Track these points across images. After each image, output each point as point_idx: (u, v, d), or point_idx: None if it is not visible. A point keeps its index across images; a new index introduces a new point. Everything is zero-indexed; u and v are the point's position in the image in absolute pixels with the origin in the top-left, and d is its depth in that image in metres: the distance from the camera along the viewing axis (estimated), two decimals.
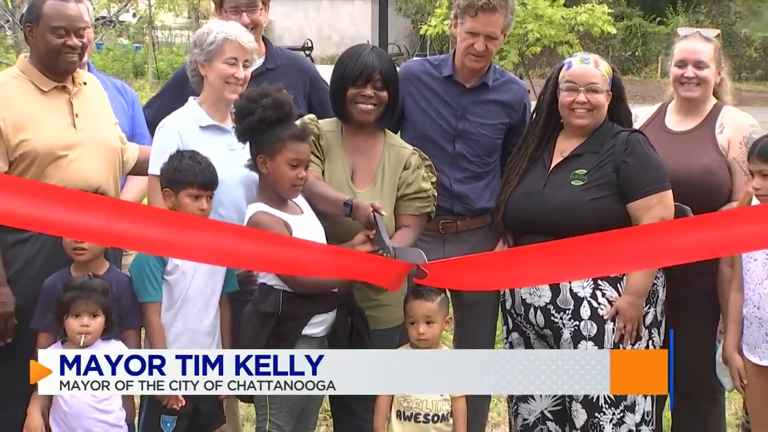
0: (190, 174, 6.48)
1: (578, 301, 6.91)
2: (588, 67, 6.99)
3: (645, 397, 7.00)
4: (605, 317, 6.87)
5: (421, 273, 6.22)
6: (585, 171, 6.94)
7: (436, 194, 7.15)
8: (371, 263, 6.37)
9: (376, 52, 7.14)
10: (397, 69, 7.25)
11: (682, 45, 7.66)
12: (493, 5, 7.32)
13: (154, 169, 6.82)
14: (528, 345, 7.22)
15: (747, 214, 6.34)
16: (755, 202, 6.71)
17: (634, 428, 6.97)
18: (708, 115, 7.57)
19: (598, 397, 6.89)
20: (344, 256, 6.46)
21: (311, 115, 7.21)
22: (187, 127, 6.99)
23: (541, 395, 7.20)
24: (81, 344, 6.15)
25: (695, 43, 7.61)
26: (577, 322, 6.90)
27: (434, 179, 7.16)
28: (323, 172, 6.96)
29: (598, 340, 6.88)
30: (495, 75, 7.75)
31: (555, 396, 7.19)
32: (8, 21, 19.74)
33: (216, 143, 6.93)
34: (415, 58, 8.20)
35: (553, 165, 7.09)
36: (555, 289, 6.93)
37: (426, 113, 7.51)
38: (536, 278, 6.73)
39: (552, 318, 6.97)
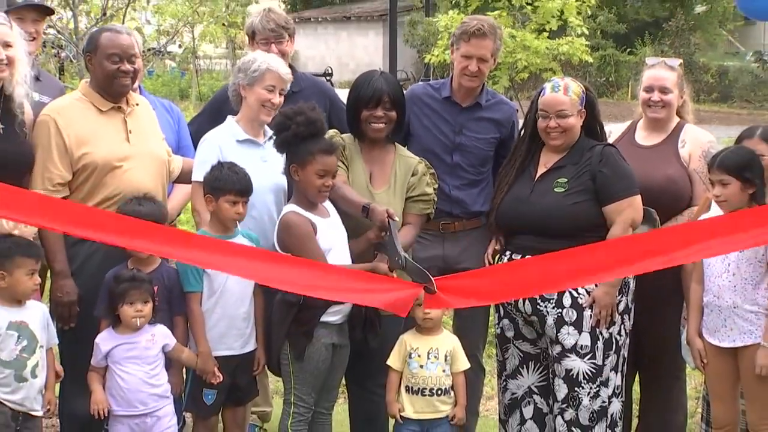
0: (228, 182, 6.50)
1: (560, 292, 6.90)
2: (557, 95, 6.96)
3: (616, 373, 7.01)
4: (584, 305, 6.87)
5: (429, 290, 6.12)
6: (566, 179, 6.95)
7: (436, 199, 7.19)
8: (382, 289, 6.32)
9: (384, 77, 7.20)
10: (404, 91, 7.30)
11: (649, 72, 7.69)
12: (484, 32, 7.42)
13: (197, 177, 6.85)
14: (517, 330, 7.20)
15: (709, 227, 6.39)
16: (714, 206, 6.77)
17: (606, 400, 6.97)
18: (672, 132, 7.60)
19: (577, 373, 6.91)
20: (358, 281, 6.45)
21: (336, 130, 7.22)
22: (226, 141, 7.02)
23: (528, 372, 7.23)
24: (138, 326, 6.22)
25: (661, 71, 7.64)
26: (559, 310, 6.90)
27: (436, 186, 7.20)
28: (348, 177, 7.00)
29: (578, 325, 6.88)
30: (488, 96, 7.79)
31: (541, 373, 7.22)
32: (73, 51, 19.72)
33: (250, 155, 6.94)
34: (419, 83, 8.21)
35: (538, 175, 7.09)
36: None
37: (428, 129, 7.52)
38: (527, 291, 6.70)
39: (538, 306, 6.95)
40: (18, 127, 6.66)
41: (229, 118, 7.19)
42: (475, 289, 6.41)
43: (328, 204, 6.74)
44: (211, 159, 6.83)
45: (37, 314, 6.18)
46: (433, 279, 6.12)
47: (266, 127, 7.13)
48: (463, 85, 7.59)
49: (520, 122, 7.58)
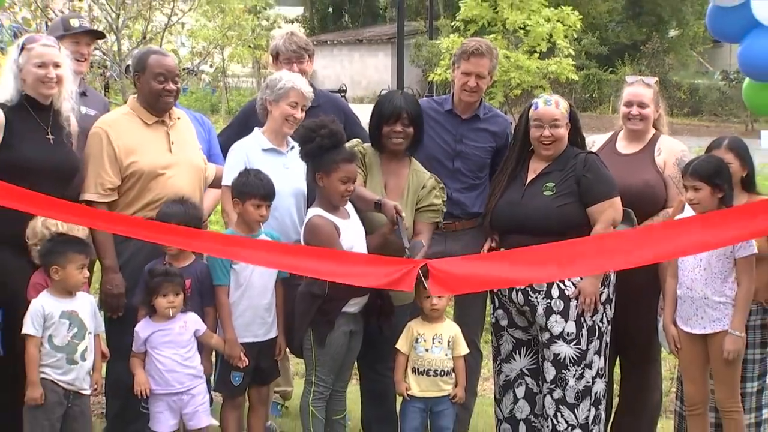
0: (254, 188, 6.54)
1: (549, 283, 6.90)
2: (550, 108, 7.01)
3: (599, 356, 7.01)
4: (571, 296, 6.87)
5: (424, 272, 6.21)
6: (554, 184, 6.96)
7: (444, 209, 7.20)
8: (389, 270, 6.31)
9: (404, 96, 7.29)
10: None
11: (629, 89, 7.68)
12: (482, 51, 7.47)
13: (227, 182, 6.89)
14: (510, 319, 7.21)
15: (685, 226, 6.41)
16: (687, 208, 6.77)
17: (590, 381, 6.96)
18: (648, 142, 7.59)
19: (564, 357, 6.91)
20: (369, 265, 6.53)
21: (358, 140, 7.29)
22: (253, 150, 7.05)
23: (520, 357, 7.23)
24: (171, 315, 6.25)
25: (639, 88, 7.63)
26: (548, 300, 6.90)
27: (444, 198, 7.20)
28: (365, 183, 7.02)
29: (565, 314, 6.88)
30: (485, 110, 7.79)
31: (531, 357, 7.22)
32: (116, 71, 19.76)
33: (274, 163, 6.97)
34: (424, 98, 8.21)
35: (528, 180, 7.08)
36: None
37: (432, 139, 7.48)
38: (519, 281, 6.78)
39: (529, 297, 6.95)
40: (65, 137, 6.71)
41: (256, 129, 7.21)
42: (473, 276, 6.45)
43: (348, 206, 6.76)
44: (239, 166, 6.86)
45: (85, 304, 6.23)
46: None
47: (289, 138, 7.16)
48: (463, 99, 7.59)
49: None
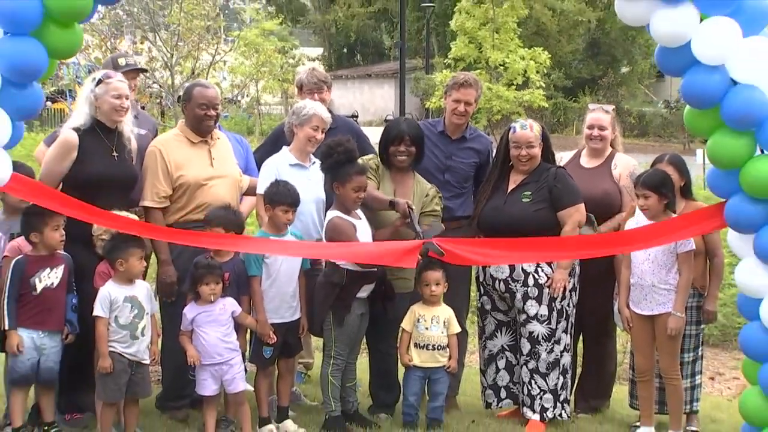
0: (282, 196, 6.56)
1: (526, 274, 6.93)
2: (526, 132, 7.07)
3: (566, 334, 7.05)
4: (544, 284, 6.91)
5: (436, 250, 6.40)
6: (530, 192, 6.99)
7: (441, 215, 7.24)
8: (393, 249, 6.54)
9: (407, 122, 7.40)
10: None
11: (591, 115, 7.77)
12: (469, 83, 7.49)
13: (260, 191, 6.86)
14: (493, 304, 7.23)
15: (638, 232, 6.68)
16: (638, 212, 6.83)
17: (559, 354, 7.00)
18: (607, 158, 7.65)
19: (537, 335, 6.94)
20: (376, 248, 6.73)
21: (374, 155, 7.45)
22: (282, 165, 7.03)
23: (501, 335, 7.24)
24: (212, 300, 6.27)
25: (599, 114, 7.71)
26: (525, 288, 6.93)
27: (442, 205, 7.28)
28: (378, 189, 7.11)
29: (539, 299, 6.91)
30: (471, 131, 7.76)
31: (511, 336, 7.24)
32: (170, 100, 19.84)
33: (299, 176, 6.95)
34: (420, 121, 8.20)
35: (509, 189, 7.09)
36: (512, 267, 6.97)
37: (426, 155, 7.45)
38: (508, 260, 6.91)
39: (509, 286, 6.98)
40: (127, 155, 6.79)
41: (284, 148, 7.20)
42: (473, 253, 6.64)
43: (358, 210, 6.81)
44: (271, 178, 6.85)
45: (143, 290, 6.26)
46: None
47: (311, 155, 7.17)
48: (454, 122, 7.57)
49: (494, 151, 7.59)
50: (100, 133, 6.65)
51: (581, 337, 7.78)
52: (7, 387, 6.38)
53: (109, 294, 6.06)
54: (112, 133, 6.70)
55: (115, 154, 6.69)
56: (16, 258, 6.19)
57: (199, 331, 6.33)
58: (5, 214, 6.60)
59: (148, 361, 6.31)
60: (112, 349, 6.05)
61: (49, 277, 6.22)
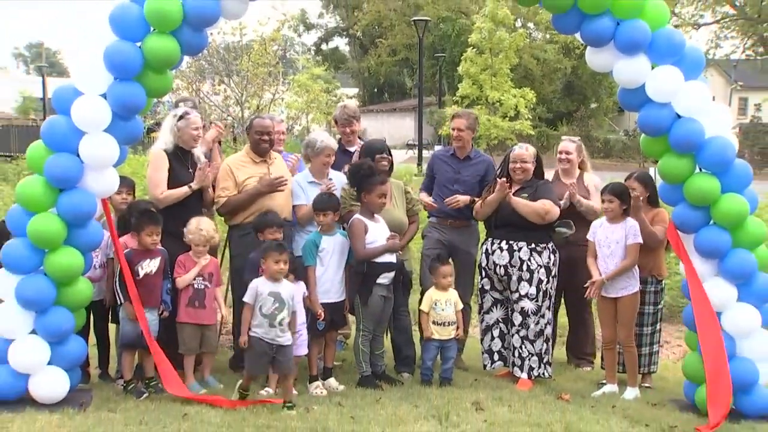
0: (324, 204, 6.61)
1: (521, 261, 6.93)
2: (522, 152, 7.15)
3: (549, 310, 7.06)
4: (536, 270, 6.92)
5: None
6: (527, 195, 6.99)
7: (419, 206, 7.42)
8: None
9: (380, 142, 7.59)
10: (428, 152, 7.35)
11: (560, 144, 7.97)
12: (459, 115, 7.82)
13: (294, 201, 7.08)
14: (492, 285, 7.18)
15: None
16: (603, 215, 6.90)
17: (543, 326, 6.99)
18: (579, 176, 7.72)
19: (527, 310, 6.94)
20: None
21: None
22: (303, 182, 7.10)
23: (496, 310, 7.21)
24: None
25: (566, 143, 7.90)
26: (520, 272, 6.93)
27: (413, 195, 7.42)
28: None
29: (530, 282, 6.92)
30: (474, 153, 7.76)
31: (504, 311, 7.20)
32: (241, 129, 19.95)
33: (315, 189, 6.97)
34: (437, 147, 8.15)
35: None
36: (511, 255, 6.97)
37: (442, 171, 7.53)
38: None
39: (508, 270, 6.98)
40: (196, 170, 6.87)
41: (306, 169, 7.29)
42: None
43: (377, 216, 6.81)
44: (297, 190, 7.07)
45: (288, 289, 6.08)
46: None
47: (330, 171, 7.20)
48: (455, 145, 7.66)
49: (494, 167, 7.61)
50: (180, 155, 6.82)
51: (566, 309, 7.88)
52: (119, 350, 6.49)
53: (257, 287, 5.99)
54: (187, 154, 6.87)
55: (190, 170, 6.84)
56: (126, 251, 6.27)
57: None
58: (114, 214, 6.73)
59: (288, 344, 6.11)
60: (253, 333, 5.96)
61: (149, 266, 6.28)
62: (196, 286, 6.48)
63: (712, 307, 6.15)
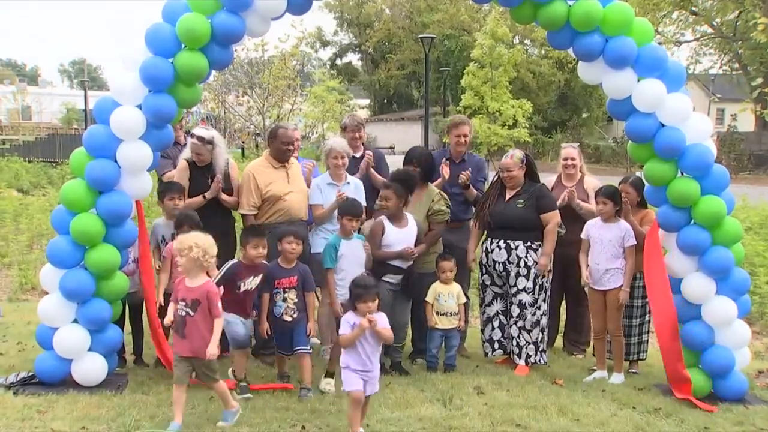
0: (348, 209, 6.41)
1: (519, 258, 6.89)
2: (506, 160, 7.12)
3: (545, 303, 7.01)
4: (532, 267, 6.88)
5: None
6: (523, 200, 6.96)
7: (448, 215, 7.11)
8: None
9: (416, 149, 7.41)
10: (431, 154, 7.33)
11: (564, 151, 7.86)
12: (464, 122, 7.63)
13: (310, 201, 7.08)
14: (492, 280, 7.14)
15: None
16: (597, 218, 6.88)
17: (540, 317, 6.96)
18: (579, 180, 7.66)
19: (525, 303, 6.91)
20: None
21: None
22: (322, 184, 7.10)
23: (496, 303, 7.17)
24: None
25: (570, 149, 7.78)
26: (518, 268, 6.89)
27: (448, 202, 7.11)
28: None
29: (527, 277, 6.88)
30: (468, 155, 7.71)
31: (504, 304, 7.15)
32: (263, 137, 19.97)
33: (332, 190, 6.98)
34: (436, 151, 8.14)
35: (507, 198, 7.04)
36: (509, 252, 6.93)
37: (441, 174, 7.48)
38: None
39: (506, 267, 6.94)
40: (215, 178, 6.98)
41: (327, 172, 7.23)
42: None
43: (411, 220, 6.71)
44: (315, 191, 7.06)
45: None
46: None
47: (346, 175, 7.16)
48: (457, 150, 7.62)
49: (491, 174, 7.58)
50: (197, 166, 7.05)
51: (564, 300, 7.86)
52: (232, 350, 6.11)
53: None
54: (207, 165, 7.01)
55: (209, 180, 6.95)
56: (232, 262, 5.98)
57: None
58: (165, 218, 6.77)
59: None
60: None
61: (252, 283, 5.97)
62: (178, 311, 5.11)
63: (667, 282, 6.26)
